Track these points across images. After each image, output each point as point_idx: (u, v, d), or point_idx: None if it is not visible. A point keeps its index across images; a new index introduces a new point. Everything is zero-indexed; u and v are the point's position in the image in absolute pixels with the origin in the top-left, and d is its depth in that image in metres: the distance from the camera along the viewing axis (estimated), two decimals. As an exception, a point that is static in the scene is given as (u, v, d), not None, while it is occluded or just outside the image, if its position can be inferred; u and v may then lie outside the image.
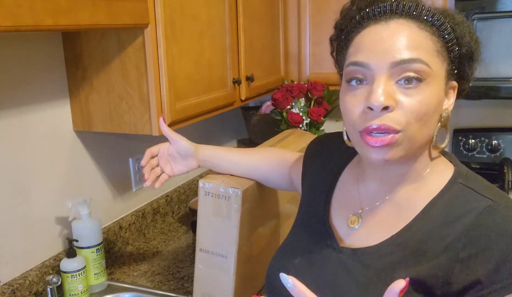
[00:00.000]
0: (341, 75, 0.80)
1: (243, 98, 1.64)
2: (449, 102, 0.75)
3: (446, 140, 0.76)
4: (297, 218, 0.94)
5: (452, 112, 0.77)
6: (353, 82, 0.71)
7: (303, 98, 1.93)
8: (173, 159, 1.16)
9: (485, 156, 2.02)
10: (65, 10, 0.89)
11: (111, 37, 1.19)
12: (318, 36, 1.97)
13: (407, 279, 0.57)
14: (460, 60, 0.73)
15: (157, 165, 1.17)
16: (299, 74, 2.03)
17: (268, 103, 2.06)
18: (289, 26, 2.01)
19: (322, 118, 1.92)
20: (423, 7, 0.71)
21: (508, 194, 1.63)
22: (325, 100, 1.95)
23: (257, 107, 2.22)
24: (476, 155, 2.03)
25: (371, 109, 0.68)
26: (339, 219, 0.83)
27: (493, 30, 1.68)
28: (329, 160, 0.93)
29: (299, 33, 2.00)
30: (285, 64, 2.03)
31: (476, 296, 0.66)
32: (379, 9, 0.72)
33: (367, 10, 0.73)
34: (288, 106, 1.91)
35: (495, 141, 1.99)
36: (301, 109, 1.93)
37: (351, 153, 0.89)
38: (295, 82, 1.99)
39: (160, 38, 1.16)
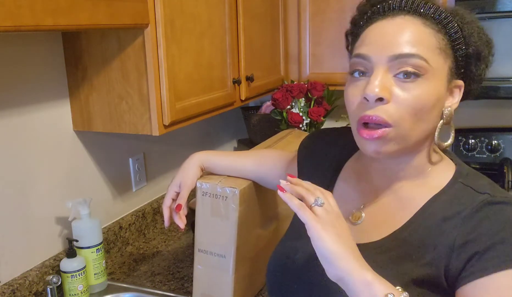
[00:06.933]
0: None
1: (243, 98, 1.64)
2: (454, 100, 0.76)
3: (451, 139, 0.77)
4: (296, 215, 0.94)
5: (452, 112, 0.77)
6: (356, 74, 0.74)
7: (303, 98, 1.93)
8: None
9: (485, 156, 2.02)
10: (65, 10, 0.89)
11: (111, 37, 1.19)
12: (318, 36, 1.97)
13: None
14: (467, 60, 0.75)
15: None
16: (299, 74, 2.03)
17: (268, 103, 2.05)
18: (289, 26, 2.01)
19: (322, 118, 1.92)
20: (432, 5, 0.73)
21: (508, 194, 1.63)
22: (325, 100, 1.95)
23: (257, 107, 2.22)
24: (476, 155, 2.03)
25: (367, 100, 0.70)
26: None
27: (492, 30, 1.65)
28: (325, 155, 0.94)
29: (299, 33, 2.00)
30: (285, 64, 2.03)
31: (470, 272, 0.67)
32: (388, 6, 0.75)
33: (378, 6, 0.76)
34: (288, 106, 1.91)
35: (495, 141, 1.99)
36: (301, 109, 1.92)
37: (351, 148, 0.90)
38: (295, 82, 1.99)
39: (160, 38, 1.17)
